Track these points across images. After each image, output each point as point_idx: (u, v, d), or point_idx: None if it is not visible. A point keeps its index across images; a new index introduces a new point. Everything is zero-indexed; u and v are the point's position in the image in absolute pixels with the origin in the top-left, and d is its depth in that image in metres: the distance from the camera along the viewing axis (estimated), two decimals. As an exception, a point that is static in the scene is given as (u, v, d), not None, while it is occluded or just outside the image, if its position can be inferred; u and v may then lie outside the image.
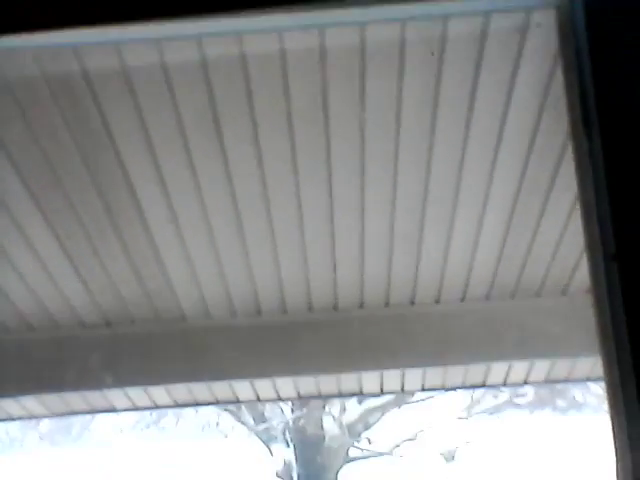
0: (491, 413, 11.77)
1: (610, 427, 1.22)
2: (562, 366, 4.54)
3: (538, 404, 12.26)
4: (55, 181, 2.81)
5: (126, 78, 2.35)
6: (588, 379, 5.13)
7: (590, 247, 1.35)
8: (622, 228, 1.32)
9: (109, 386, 3.98)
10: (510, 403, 11.87)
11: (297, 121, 2.57)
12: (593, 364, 4.52)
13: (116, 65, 2.27)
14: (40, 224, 3.02)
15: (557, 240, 3.35)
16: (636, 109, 1.42)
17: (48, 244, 3.16)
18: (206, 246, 3.19)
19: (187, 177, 2.82)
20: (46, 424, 15.99)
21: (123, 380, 3.92)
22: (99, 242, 3.17)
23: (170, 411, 14.84)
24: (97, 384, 3.82)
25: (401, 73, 2.41)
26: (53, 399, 4.58)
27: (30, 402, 4.59)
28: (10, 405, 4.64)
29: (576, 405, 15.16)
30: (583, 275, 3.58)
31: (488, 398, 11.86)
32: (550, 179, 2.93)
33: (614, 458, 1.18)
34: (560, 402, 14.21)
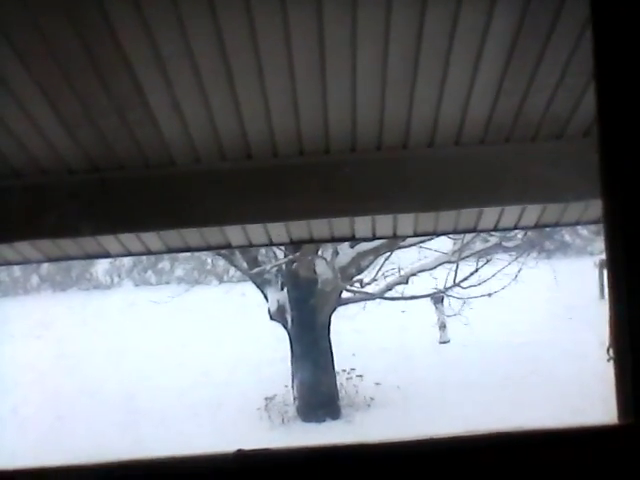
0: (480, 256, 12.00)
1: (608, 278, 1.18)
2: (553, 211, 4.55)
3: (526, 246, 12.49)
4: (34, 27, 2.67)
5: None
6: (578, 223, 5.16)
7: (600, 77, 1.23)
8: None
9: (100, 232, 3.98)
10: (499, 246, 12.07)
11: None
12: (584, 209, 4.53)
13: None
14: (19, 69, 2.89)
15: (556, 81, 3.23)
16: None
17: (29, 89, 3.04)
18: (193, 87, 3.07)
19: (169, 13, 2.66)
20: (46, 267, 16.36)
21: (114, 226, 3.90)
22: (80, 84, 3.05)
23: (166, 255, 15.13)
24: (88, 230, 3.81)
25: None
26: (48, 245, 4.60)
27: (25, 248, 4.61)
28: (6, 251, 4.67)
29: (562, 247, 15.50)
30: (581, 119, 3.50)
31: (477, 242, 12.05)
32: (554, 15, 2.78)
33: (609, 311, 1.15)
34: (548, 244, 14.49)
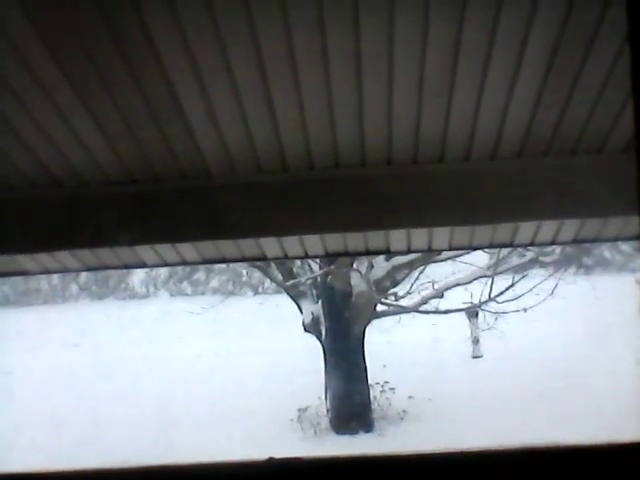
0: (516, 271, 11.88)
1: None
2: (592, 226, 4.49)
3: (564, 262, 12.33)
4: (74, 38, 2.73)
5: None
6: (617, 239, 5.07)
7: (637, 94, 1.22)
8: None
9: (137, 242, 4.03)
10: (536, 261, 11.94)
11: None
12: (624, 224, 4.46)
13: None
14: (61, 82, 2.96)
15: (596, 95, 3.20)
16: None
17: (71, 102, 3.10)
18: (230, 99, 3.11)
19: (207, 25, 2.70)
20: (85, 276, 16.62)
21: (151, 237, 3.95)
22: (119, 97, 3.11)
23: (201, 266, 15.25)
24: (126, 240, 3.86)
25: None
26: (86, 254, 4.66)
27: (64, 257, 4.68)
28: (47, 260, 4.74)
29: (602, 263, 15.27)
30: (620, 133, 3.46)
31: (514, 256, 11.94)
32: (594, 26, 2.75)
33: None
34: (586, 260, 14.28)
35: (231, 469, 1.00)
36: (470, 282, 11.70)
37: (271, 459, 1.02)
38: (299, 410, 11.44)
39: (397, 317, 12.06)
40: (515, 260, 12.01)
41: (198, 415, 11.46)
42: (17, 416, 10.66)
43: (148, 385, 12.21)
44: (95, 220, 3.70)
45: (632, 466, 1.02)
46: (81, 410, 11.46)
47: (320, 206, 3.71)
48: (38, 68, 2.92)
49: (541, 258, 11.89)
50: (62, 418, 11.19)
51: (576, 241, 4.72)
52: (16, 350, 12.20)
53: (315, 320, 11.63)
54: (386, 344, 12.24)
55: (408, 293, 11.93)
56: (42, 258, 4.67)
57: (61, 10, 2.62)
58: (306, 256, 4.90)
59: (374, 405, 11.53)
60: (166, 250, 4.52)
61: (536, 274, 12.02)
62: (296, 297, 11.92)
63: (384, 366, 11.52)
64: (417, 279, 11.93)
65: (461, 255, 11.22)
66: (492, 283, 11.72)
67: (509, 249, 10.86)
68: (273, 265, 11.70)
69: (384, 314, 11.95)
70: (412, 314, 11.99)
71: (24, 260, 4.56)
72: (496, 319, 11.83)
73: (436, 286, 11.83)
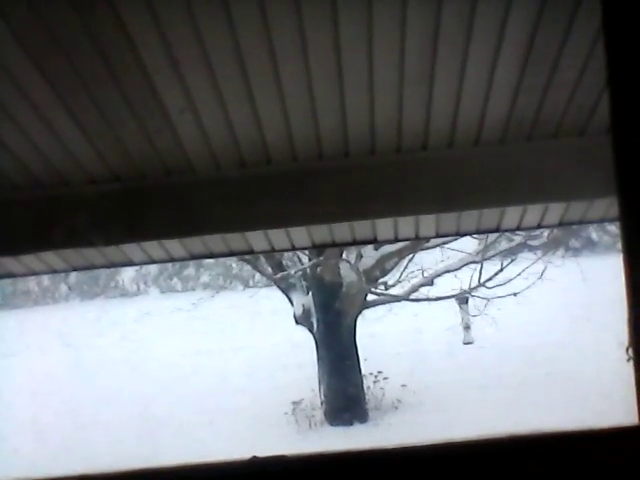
0: (505, 256, 11.91)
1: (625, 277, 1.16)
2: (577, 208, 4.50)
3: (552, 245, 12.37)
4: (52, 36, 2.71)
5: None
6: (603, 220, 5.09)
7: (613, 80, 1.22)
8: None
9: (123, 241, 4.01)
10: (524, 245, 11.97)
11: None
12: (609, 205, 4.47)
13: None
14: (38, 81, 2.94)
15: (577, 78, 3.20)
16: None
17: (50, 101, 3.08)
18: (210, 93, 3.09)
19: (186, 20, 2.68)
20: (74, 276, 16.55)
21: (136, 234, 3.92)
22: (100, 95, 3.08)
23: (191, 262, 15.21)
24: (111, 239, 3.84)
25: None
26: (72, 254, 4.63)
27: (50, 258, 4.65)
28: (32, 261, 4.71)
29: (590, 245, 15.33)
30: (603, 114, 3.46)
31: (502, 241, 11.96)
32: (573, 7, 2.75)
33: (627, 310, 1.13)
34: (574, 242, 14.33)
35: (214, 470, 0.99)
36: (459, 268, 11.72)
37: (254, 458, 1.01)
38: (293, 403, 11.45)
39: (388, 306, 12.07)
40: (503, 245, 12.04)
41: (191, 412, 11.46)
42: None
43: (131, 386, 12.16)
44: (79, 220, 3.68)
45: (616, 451, 1.02)
46: (64, 414, 11.41)
47: (305, 198, 3.70)
48: (15, 68, 2.89)
49: (529, 242, 11.93)
50: (44, 423, 11.11)
51: (562, 224, 4.74)
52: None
53: (306, 312, 11.63)
54: (374, 334, 12.25)
55: (398, 282, 11.95)
56: (27, 260, 4.64)
57: (37, 8, 2.59)
58: (293, 248, 4.89)
59: (368, 395, 11.55)
60: (153, 247, 4.50)
61: (525, 258, 12.06)
62: (286, 290, 11.91)
63: (365, 359, 11.54)
64: (406, 267, 11.94)
65: (449, 242, 11.24)
66: (481, 268, 11.74)
67: (496, 234, 10.89)
68: (262, 258, 11.68)
69: (375, 304, 11.96)
70: (403, 303, 12.01)
71: (8, 262, 4.53)
72: (486, 305, 11.87)
73: (425, 274, 11.85)
